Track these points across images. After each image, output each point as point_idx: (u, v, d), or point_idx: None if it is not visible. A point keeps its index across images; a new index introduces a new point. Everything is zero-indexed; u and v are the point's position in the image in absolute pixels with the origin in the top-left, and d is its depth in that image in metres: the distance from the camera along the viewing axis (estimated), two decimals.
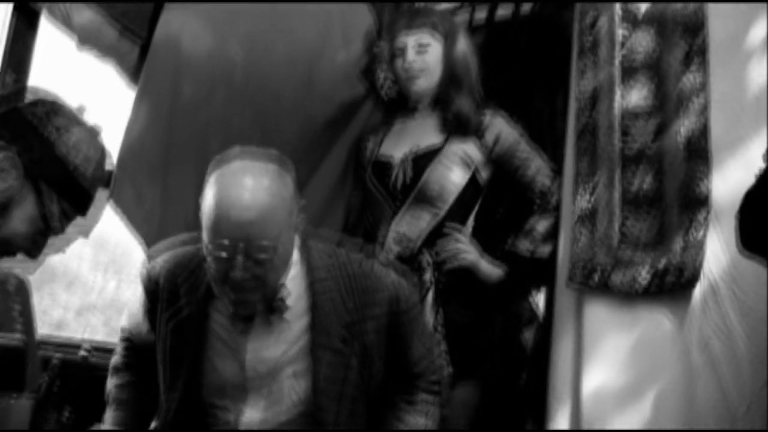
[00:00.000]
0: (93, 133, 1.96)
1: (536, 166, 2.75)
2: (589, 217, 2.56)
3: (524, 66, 3.13)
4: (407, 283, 2.24)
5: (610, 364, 2.44)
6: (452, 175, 2.70)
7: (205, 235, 1.96)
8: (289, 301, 2.09)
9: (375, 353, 2.13)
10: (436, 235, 2.69)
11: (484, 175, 2.76)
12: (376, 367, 2.14)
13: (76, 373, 2.86)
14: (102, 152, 2.00)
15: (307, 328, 2.10)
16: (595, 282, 2.49)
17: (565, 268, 2.59)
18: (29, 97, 2.03)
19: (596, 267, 2.51)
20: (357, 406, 2.13)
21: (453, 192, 2.70)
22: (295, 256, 2.11)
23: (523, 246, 2.71)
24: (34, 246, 1.95)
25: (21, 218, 1.87)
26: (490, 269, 2.69)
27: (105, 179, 2.02)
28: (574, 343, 2.54)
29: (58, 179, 1.89)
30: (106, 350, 2.80)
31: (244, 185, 1.93)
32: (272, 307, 2.08)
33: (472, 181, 2.73)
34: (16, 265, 2.45)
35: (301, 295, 2.11)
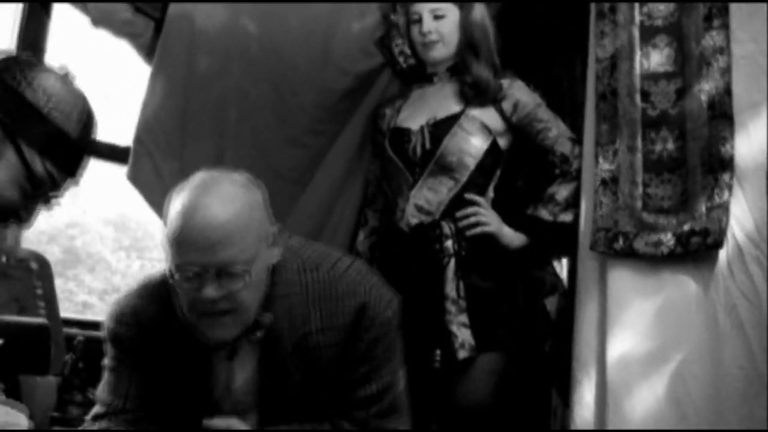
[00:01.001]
0: (65, 78, 1.87)
1: (556, 132, 2.73)
2: (611, 183, 2.54)
3: (542, 32, 3.11)
4: (388, 296, 1.98)
5: (635, 330, 2.43)
6: (471, 143, 2.68)
7: (170, 255, 1.80)
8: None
9: (326, 372, 1.93)
10: (456, 204, 2.67)
11: (503, 143, 2.73)
12: (322, 390, 1.95)
13: (100, 351, 2.87)
14: (81, 98, 1.88)
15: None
16: (619, 247, 2.47)
17: (588, 235, 2.57)
18: None
19: (619, 233, 2.48)
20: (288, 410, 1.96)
21: (472, 160, 2.68)
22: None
23: (546, 212, 2.69)
24: (24, 211, 1.87)
25: (5, 179, 1.80)
26: (513, 236, 2.67)
27: (93, 132, 1.88)
28: (599, 309, 2.52)
29: (36, 132, 1.79)
30: None
31: (211, 205, 1.76)
32: (253, 333, 1.91)
33: (492, 149, 2.70)
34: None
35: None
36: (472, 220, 2.65)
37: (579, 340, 2.55)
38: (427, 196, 2.68)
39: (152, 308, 1.98)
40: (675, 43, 2.49)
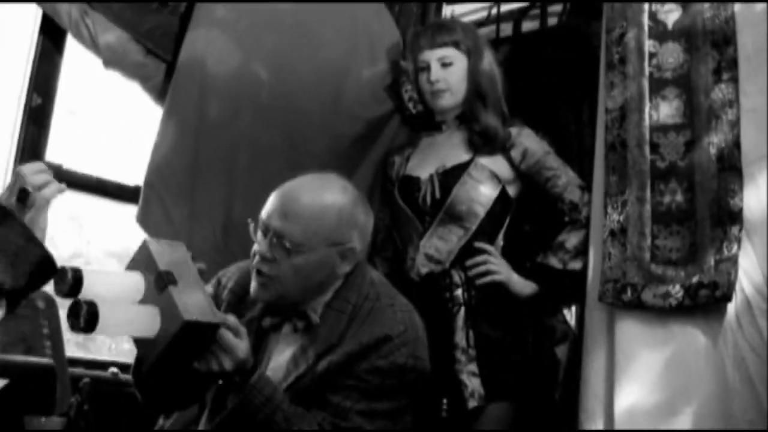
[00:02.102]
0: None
1: (565, 180, 2.73)
2: (619, 234, 2.54)
3: (550, 78, 3.12)
4: (421, 355, 2.08)
5: (643, 382, 2.42)
6: (480, 191, 2.69)
7: None
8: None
9: (324, 375, 2.03)
10: (466, 252, 2.68)
11: (512, 191, 2.75)
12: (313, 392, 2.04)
13: (105, 391, 2.86)
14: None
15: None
16: (627, 299, 2.47)
17: (596, 285, 2.57)
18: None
19: (628, 284, 2.48)
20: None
21: (482, 209, 2.69)
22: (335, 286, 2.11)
23: (555, 260, 2.69)
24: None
25: None
26: (523, 284, 2.68)
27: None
28: (606, 360, 2.52)
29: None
30: None
31: (301, 187, 2.07)
32: (296, 319, 2.10)
33: (501, 198, 2.71)
34: None
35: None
36: (482, 268, 2.65)
37: (586, 390, 2.54)
38: (437, 245, 2.69)
39: (244, 279, 2.19)
40: (684, 95, 2.50)
